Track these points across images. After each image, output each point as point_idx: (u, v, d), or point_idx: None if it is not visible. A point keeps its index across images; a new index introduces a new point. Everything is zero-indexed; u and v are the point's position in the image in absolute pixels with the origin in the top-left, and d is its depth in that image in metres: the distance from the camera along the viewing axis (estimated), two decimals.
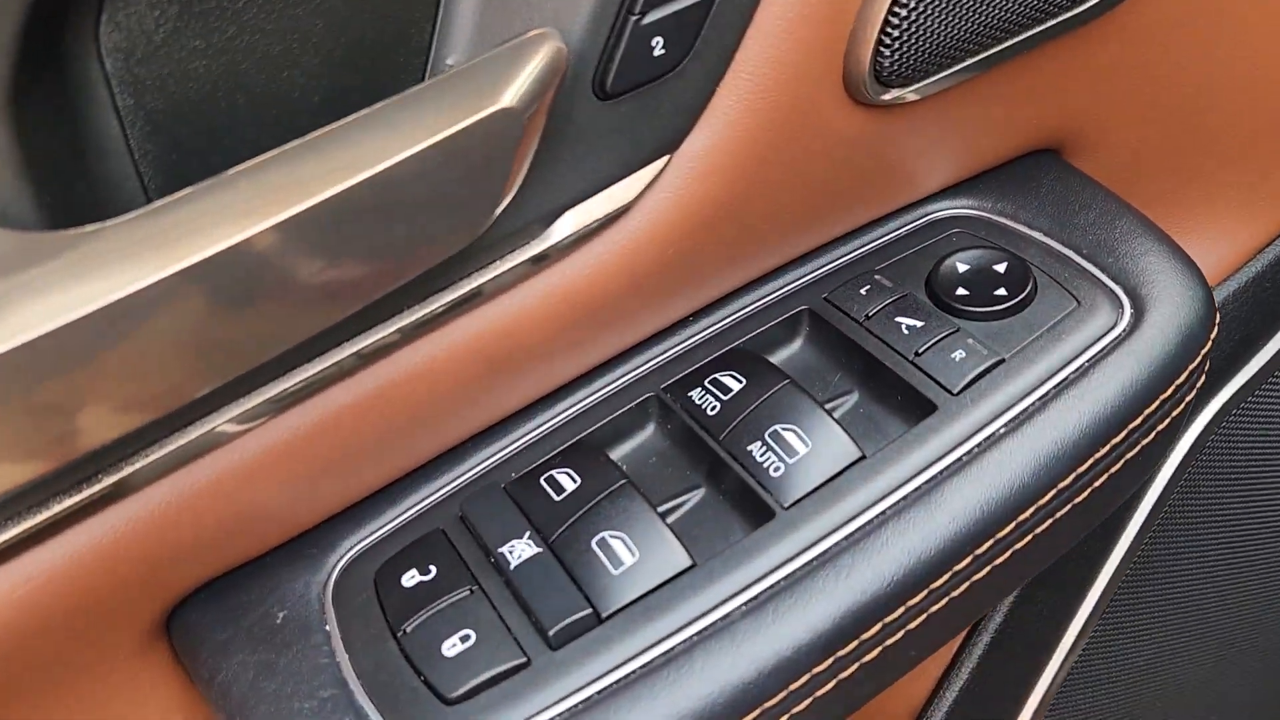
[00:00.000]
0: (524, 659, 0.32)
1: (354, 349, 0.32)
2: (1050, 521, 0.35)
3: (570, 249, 0.34)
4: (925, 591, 0.33)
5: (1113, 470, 0.36)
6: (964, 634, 0.50)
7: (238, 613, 0.34)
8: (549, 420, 0.38)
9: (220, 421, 0.31)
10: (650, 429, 0.38)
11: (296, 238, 0.27)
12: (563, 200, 0.33)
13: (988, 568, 0.34)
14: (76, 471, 0.30)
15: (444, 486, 0.36)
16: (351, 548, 0.36)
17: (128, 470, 0.30)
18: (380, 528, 0.36)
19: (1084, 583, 0.51)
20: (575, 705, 0.31)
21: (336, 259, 0.28)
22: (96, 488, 0.30)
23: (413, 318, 0.33)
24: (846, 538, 0.33)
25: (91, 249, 0.25)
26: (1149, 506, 0.50)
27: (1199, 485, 0.52)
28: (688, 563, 0.33)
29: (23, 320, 0.24)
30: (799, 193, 0.37)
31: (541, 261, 0.34)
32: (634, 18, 0.31)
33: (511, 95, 0.28)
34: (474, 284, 0.33)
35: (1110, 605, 0.52)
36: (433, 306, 0.33)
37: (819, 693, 0.32)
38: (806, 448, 0.35)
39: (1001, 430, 0.35)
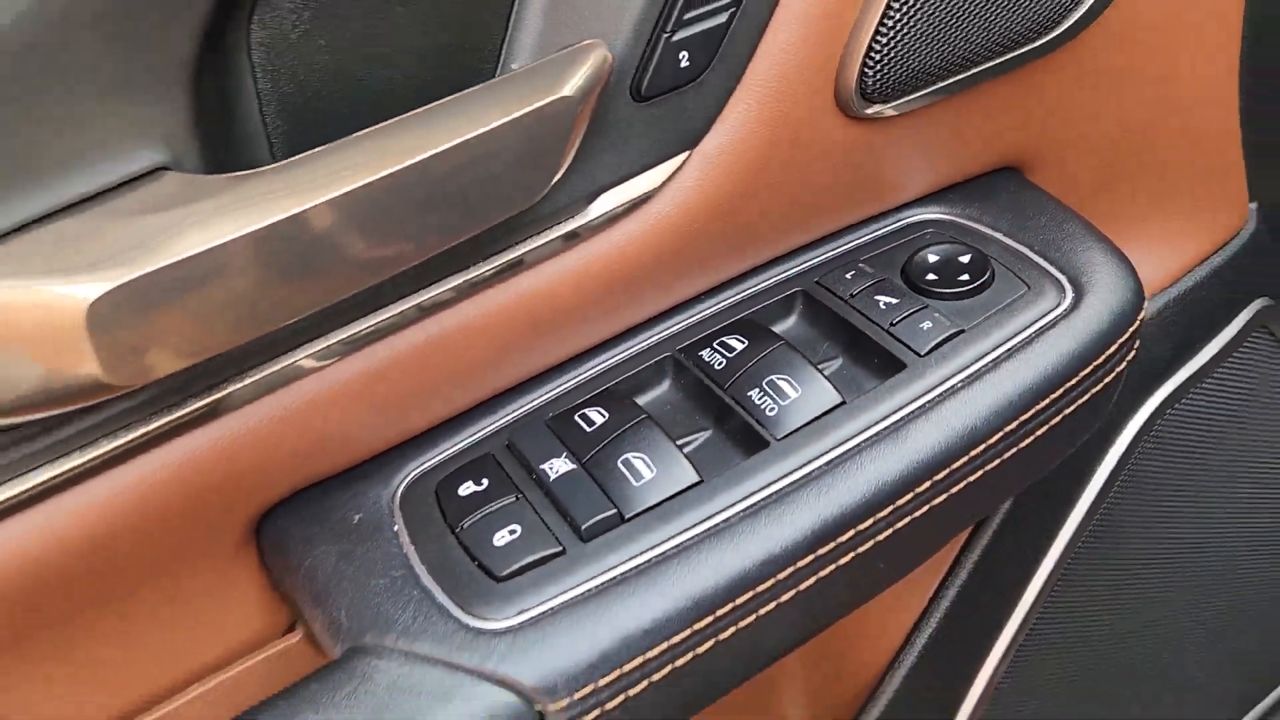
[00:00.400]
0: (560, 548, 0.39)
1: (415, 302, 0.39)
2: (999, 461, 0.42)
3: (603, 227, 0.41)
4: (891, 508, 0.40)
5: (1053, 423, 0.43)
6: (929, 595, 0.56)
7: (320, 515, 0.41)
8: (582, 373, 0.45)
9: (301, 356, 0.38)
10: (667, 384, 0.45)
11: (393, 192, 0.34)
12: (601, 184, 0.41)
13: (944, 495, 0.41)
14: (185, 389, 0.37)
15: (494, 422, 0.44)
16: (416, 468, 0.42)
17: (225, 392, 0.37)
18: (440, 453, 0.43)
19: (1038, 553, 0.57)
20: (601, 584, 0.38)
21: (422, 211, 0.35)
22: (200, 403, 0.37)
23: (466, 278, 0.40)
24: (827, 463, 0.40)
25: (237, 192, 0.33)
26: (1093, 494, 0.57)
27: (1139, 476, 0.59)
28: (696, 479, 0.40)
29: (190, 241, 0.32)
30: (797, 190, 0.45)
31: (577, 237, 0.41)
32: (666, 34, 0.39)
33: (570, 88, 0.36)
34: (519, 252, 0.40)
35: (1060, 582, 0.59)
36: (484, 269, 0.40)
37: (801, 586, 0.39)
38: (797, 393, 0.42)
39: (959, 384, 0.42)
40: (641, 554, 0.38)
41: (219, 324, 0.33)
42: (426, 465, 0.43)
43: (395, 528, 0.41)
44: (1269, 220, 0.58)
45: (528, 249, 0.40)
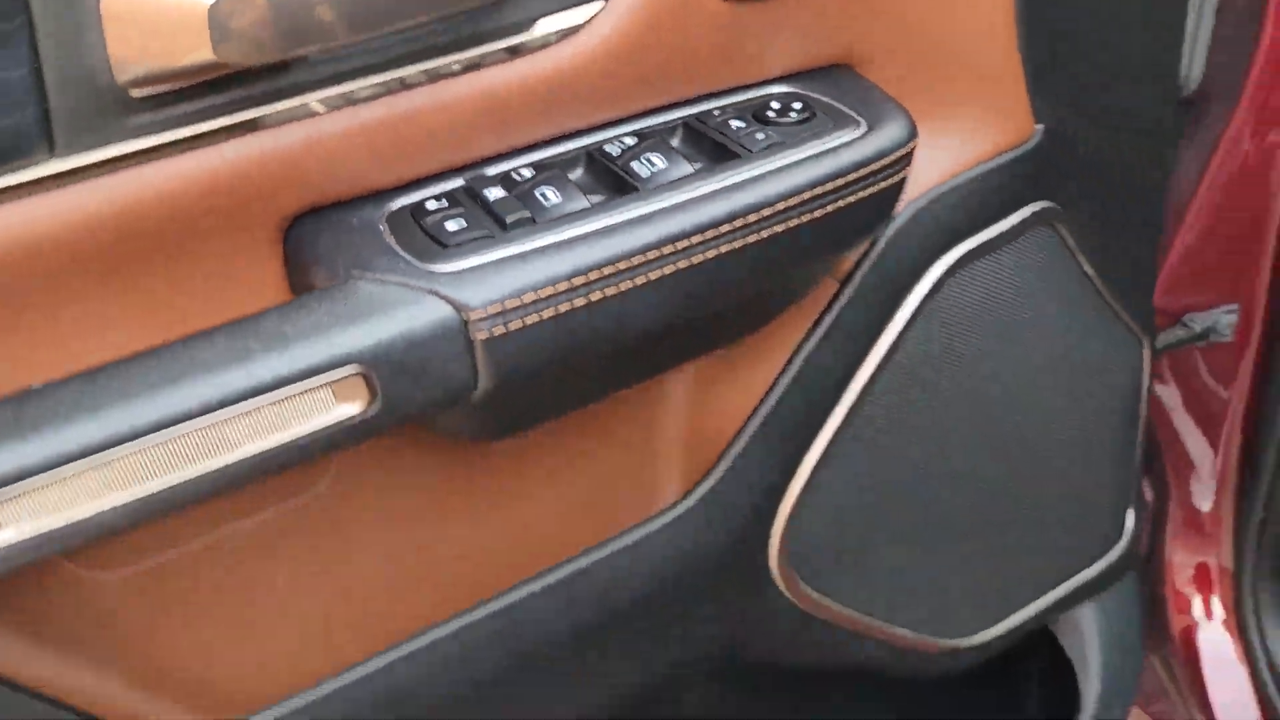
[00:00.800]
0: (490, 233, 0.57)
1: (398, 75, 0.57)
2: (796, 221, 0.62)
3: (539, 48, 0.60)
4: (714, 232, 0.59)
5: (839, 205, 0.63)
6: (769, 382, 0.75)
7: (329, 222, 0.59)
8: (520, 156, 0.64)
9: (315, 99, 0.55)
10: (581, 170, 0.65)
11: None
12: (539, 11, 0.60)
13: (755, 237, 0.61)
14: (236, 105, 0.54)
15: (457, 180, 0.63)
16: (400, 201, 0.61)
17: (263, 112, 0.53)
18: (417, 195, 0.62)
19: (851, 369, 0.75)
20: (513, 254, 0.56)
21: None
22: (245, 116, 0.53)
23: (435, 64, 0.58)
24: (676, 204, 0.60)
25: None
26: (898, 328, 0.75)
27: (935, 323, 0.77)
28: (588, 206, 0.59)
29: None
30: (684, 47, 0.64)
31: (518, 52, 0.60)
32: None
33: None
34: (475, 53, 0.58)
35: (867, 402, 0.76)
36: (450, 61, 0.57)
37: (651, 276, 0.58)
38: (665, 165, 0.61)
39: (775, 169, 0.62)
40: (542, 240, 0.57)
41: (287, 33, 0.52)
42: (407, 200, 0.62)
43: (381, 228, 0.59)
44: (1050, 138, 0.78)
45: (482, 52, 0.59)
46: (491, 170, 0.63)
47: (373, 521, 0.68)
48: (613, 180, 0.63)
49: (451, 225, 0.58)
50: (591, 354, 0.60)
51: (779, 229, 0.62)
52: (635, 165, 0.62)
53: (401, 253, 0.57)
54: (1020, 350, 0.83)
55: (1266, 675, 1.25)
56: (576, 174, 0.65)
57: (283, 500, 0.65)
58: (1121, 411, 0.94)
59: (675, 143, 0.66)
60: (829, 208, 0.63)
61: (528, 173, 0.62)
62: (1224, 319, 1.14)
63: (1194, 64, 0.99)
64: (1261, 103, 0.99)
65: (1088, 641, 1.04)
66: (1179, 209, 1.08)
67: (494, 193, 0.60)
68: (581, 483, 0.72)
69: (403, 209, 0.61)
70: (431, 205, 0.60)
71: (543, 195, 0.60)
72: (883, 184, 0.65)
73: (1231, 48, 0.98)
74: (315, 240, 0.59)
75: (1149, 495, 1.30)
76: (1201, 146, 1.06)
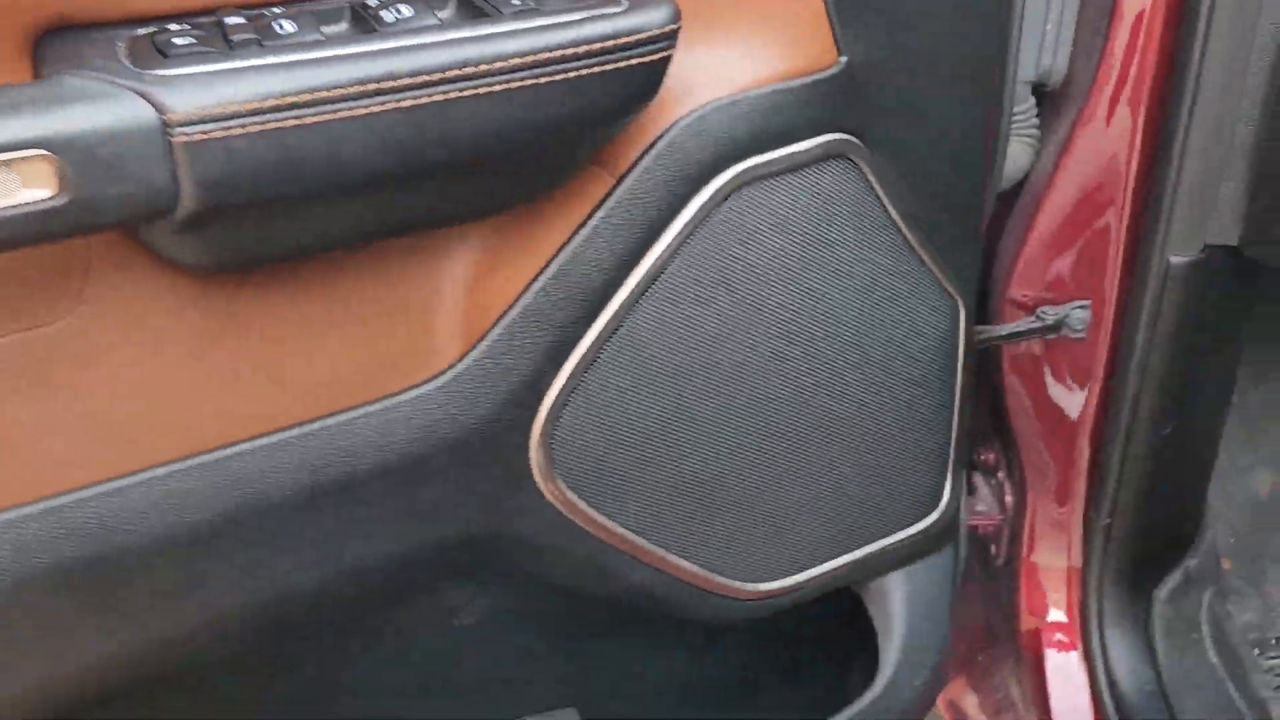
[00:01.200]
0: (214, 50, 0.59)
1: None
2: (533, 82, 0.63)
3: None
4: (440, 75, 0.60)
5: (581, 73, 0.64)
6: (534, 273, 0.75)
7: (76, 37, 0.61)
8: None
9: None
10: (346, 24, 0.66)
11: None
12: None
13: (485, 88, 0.62)
14: None
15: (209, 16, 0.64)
16: (150, 28, 0.62)
17: None
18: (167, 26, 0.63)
19: (608, 289, 0.75)
20: (229, 69, 0.58)
21: None
22: None
23: None
24: (405, 46, 0.61)
25: None
26: (667, 242, 0.75)
27: (718, 237, 0.77)
28: (320, 39, 0.60)
29: None
30: None
31: None
32: None
33: None
34: None
35: (627, 318, 0.76)
36: None
37: (371, 108, 0.59)
38: (411, 14, 0.63)
39: (519, 29, 0.63)
40: (263, 61, 0.59)
41: None
42: (153, 28, 0.63)
43: (120, 44, 0.60)
44: (855, 72, 0.79)
45: None
46: (249, 11, 0.65)
47: (119, 358, 0.68)
48: (365, 28, 0.64)
49: (179, 41, 0.59)
50: (310, 184, 0.61)
51: (513, 85, 0.63)
52: (384, 13, 0.63)
53: (122, 60, 0.58)
54: (812, 283, 0.83)
55: (1104, 683, 1.24)
56: (340, 26, 0.66)
57: (29, 327, 0.65)
58: (932, 372, 0.94)
59: (445, 12, 0.68)
60: (570, 74, 0.64)
61: (279, 11, 0.63)
62: (1076, 314, 1.14)
63: (1056, 62, 1.01)
64: (1111, 96, 1.01)
65: (893, 611, 1.03)
66: (1035, 201, 1.10)
67: (233, 21, 0.62)
68: (339, 342, 0.72)
69: (148, 32, 0.62)
70: (173, 28, 0.61)
71: (279, 25, 0.61)
72: (633, 61, 0.66)
73: (1088, 44, 1.00)
74: (59, 54, 0.60)
75: (1009, 498, 1.29)
76: (1058, 139, 1.07)
